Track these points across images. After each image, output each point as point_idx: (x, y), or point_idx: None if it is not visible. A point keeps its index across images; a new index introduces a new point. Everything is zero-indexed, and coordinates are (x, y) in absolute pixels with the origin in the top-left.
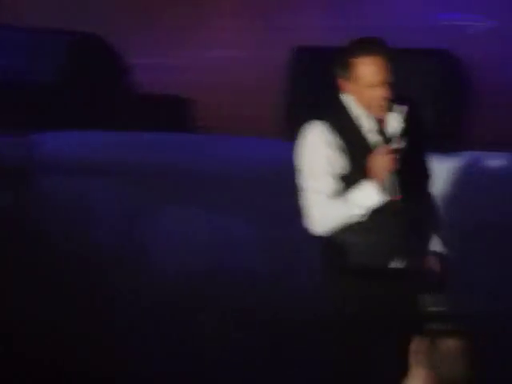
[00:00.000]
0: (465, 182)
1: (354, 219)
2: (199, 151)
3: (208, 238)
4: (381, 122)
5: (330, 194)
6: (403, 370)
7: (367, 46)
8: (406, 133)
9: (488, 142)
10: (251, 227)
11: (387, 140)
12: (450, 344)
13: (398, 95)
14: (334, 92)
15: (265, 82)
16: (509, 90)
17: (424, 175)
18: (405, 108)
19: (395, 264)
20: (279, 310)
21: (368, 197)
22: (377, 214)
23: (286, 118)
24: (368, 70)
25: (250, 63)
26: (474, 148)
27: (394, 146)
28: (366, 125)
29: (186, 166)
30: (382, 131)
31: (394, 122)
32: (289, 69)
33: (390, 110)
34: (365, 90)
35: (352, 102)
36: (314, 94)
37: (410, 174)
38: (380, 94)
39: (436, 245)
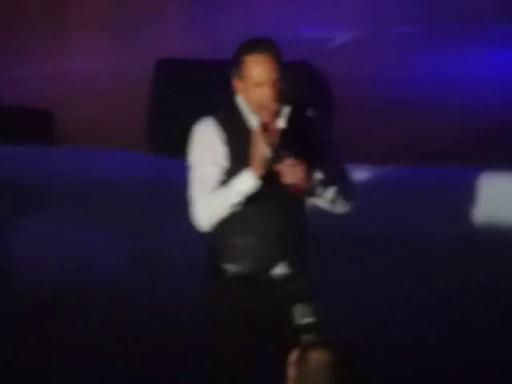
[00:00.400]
0: None
1: (235, 209)
2: (60, 163)
3: (68, 251)
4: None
5: (215, 187)
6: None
7: (257, 45)
8: (291, 134)
9: (349, 155)
10: (109, 239)
11: (280, 153)
12: (317, 356)
13: (288, 99)
14: (196, 102)
15: (127, 93)
16: (368, 101)
17: None
18: (287, 109)
19: (269, 269)
20: (149, 320)
21: (245, 183)
22: (253, 216)
23: (149, 130)
24: (256, 69)
25: (111, 74)
26: None
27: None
28: (255, 123)
29: (46, 178)
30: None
31: (280, 123)
32: (151, 80)
33: (276, 110)
34: (252, 89)
35: (242, 101)
36: (177, 105)
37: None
38: (266, 93)
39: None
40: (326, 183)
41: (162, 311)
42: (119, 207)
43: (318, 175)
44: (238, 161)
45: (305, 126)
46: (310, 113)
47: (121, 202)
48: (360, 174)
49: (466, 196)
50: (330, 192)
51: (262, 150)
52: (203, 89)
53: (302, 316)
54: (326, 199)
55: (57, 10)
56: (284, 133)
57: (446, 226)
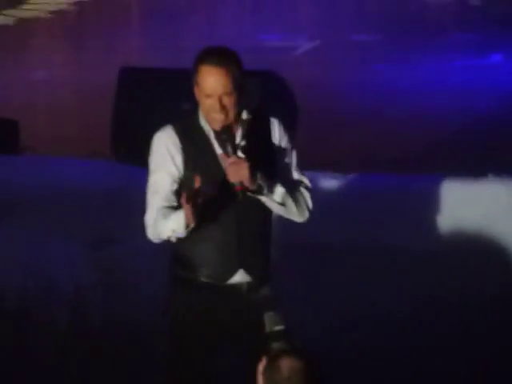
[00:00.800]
0: None
1: (171, 238)
2: (23, 173)
3: (30, 261)
4: (228, 130)
5: (167, 195)
6: None
7: (211, 55)
8: (247, 141)
9: (311, 163)
10: (73, 248)
11: (227, 147)
12: (288, 364)
13: (248, 106)
14: (159, 111)
15: (90, 102)
16: (329, 109)
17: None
18: (246, 119)
19: (227, 277)
20: (112, 328)
21: (177, 224)
22: (211, 224)
23: (112, 138)
24: (206, 80)
25: (75, 83)
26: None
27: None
28: (211, 132)
29: (9, 188)
30: (225, 139)
31: (238, 132)
32: (115, 89)
33: (229, 121)
34: (203, 98)
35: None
36: (140, 114)
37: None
38: (213, 104)
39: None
40: (276, 186)
41: (124, 319)
42: (83, 216)
43: (269, 177)
44: (194, 168)
45: (263, 134)
46: (269, 120)
47: (84, 211)
48: (321, 182)
49: (427, 204)
50: (280, 196)
51: (188, 213)
52: (166, 97)
53: (273, 324)
54: (275, 202)
55: (20, 20)
56: (241, 139)
57: (408, 234)
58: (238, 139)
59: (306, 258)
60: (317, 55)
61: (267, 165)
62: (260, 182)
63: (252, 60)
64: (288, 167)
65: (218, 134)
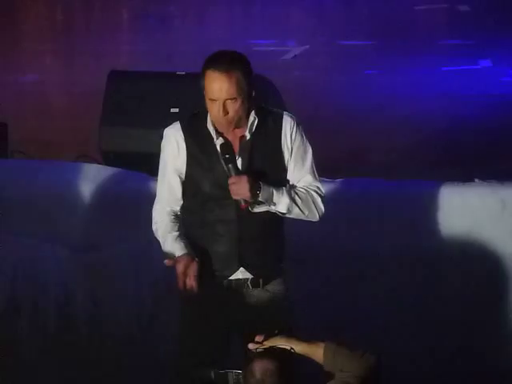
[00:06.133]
0: None
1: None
2: (12, 175)
3: (18, 264)
4: (230, 149)
5: (173, 191)
6: None
7: (217, 59)
8: (254, 144)
9: None
10: (63, 251)
11: (229, 167)
12: (261, 366)
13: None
14: (148, 115)
15: (79, 105)
16: (318, 115)
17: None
18: (254, 120)
19: (229, 273)
20: (99, 330)
21: (171, 249)
22: (215, 221)
23: (101, 142)
24: (210, 84)
25: (64, 86)
26: None
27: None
28: (214, 136)
29: None
30: (226, 159)
31: (245, 143)
32: (104, 92)
33: (237, 125)
34: (209, 103)
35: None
36: (129, 117)
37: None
38: (217, 109)
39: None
40: (281, 197)
41: (111, 320)
42: (72, 220)
43: (276, 187)
44: (197, 167)
45: (271, 138)
46: (281, 121)
47: (73, 214)
48: None
49: (414, 209)
50: (285, 206)
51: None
52: (155, 101)
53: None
54: (279, 212)
55: (9, 23)
56: (247, 143)
57: (394, 240)
58: (240, 158)
59: (300, 262)
60: (306, 60)
61: (274, 173)
62: (261, 199)
63: None
64: (300, 170)
65: (221, 148)
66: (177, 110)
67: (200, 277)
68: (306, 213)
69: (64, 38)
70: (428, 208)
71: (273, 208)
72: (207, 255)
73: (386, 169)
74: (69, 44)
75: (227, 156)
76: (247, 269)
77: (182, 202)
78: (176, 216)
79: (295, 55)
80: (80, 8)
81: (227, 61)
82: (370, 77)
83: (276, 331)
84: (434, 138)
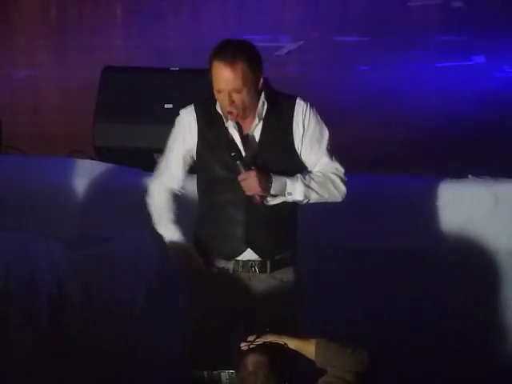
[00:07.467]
0: None
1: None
2: (5, 172)
3: (13, 260)
4: (236, 147)
5: (172, 168)
6: None
7: (222, 50)
8: (265, 135)
9: None
10: (57, 246)
11: (237, 164)
12: (252, 359)
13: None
14: (142, 111)
15: (73, 101)
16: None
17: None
18: (263, 108)
19: (235, 254)
20: (94, 327)
21: (164, 236)
22: (223, 203)
23: (95, 137)
24: (216, 75)
25: (58, 82)
26: None
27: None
28: (225, 119)
29: None
30: (234, 157)
31: (255, 126)
32: (98, 88)
33: (244, 115)
34: (216, 93)
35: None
36: (123, 113)
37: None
38: (223, 99)
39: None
40: (296, 186)
41: (105, 316)
42: (65, 215)
43: (289, 176)
44: (207, 148)
45: (282, 125)
46: (293, 106)
47: (67, 210)
48: None
49: (408, 204)
50: (301, 194)
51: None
52: (149, 97)
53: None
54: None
55: (1, 18)
56: (257, 127)
57: (389, 234)
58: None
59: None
60: (300, 55)
61: (286, 158)
62: (273, 192)
63: None
64: (317, 152)
65: (226, 147)
66: (171, 105)
67: (208, 256)
68: (326, 196)
69: (57, 33)
70: (421, 204)
71: (289, 198)
72: (216, 235)
73: (380, 164)
74: (62, 39)
75: (233, 154)
76: (254, 250)
77: (181, 184)
78: (173, 195)
79: (289, 51)
80: (73, 3)
81: (232, 52)
82: (364, 73)
83: (267, 329)
84: (427, 134)
